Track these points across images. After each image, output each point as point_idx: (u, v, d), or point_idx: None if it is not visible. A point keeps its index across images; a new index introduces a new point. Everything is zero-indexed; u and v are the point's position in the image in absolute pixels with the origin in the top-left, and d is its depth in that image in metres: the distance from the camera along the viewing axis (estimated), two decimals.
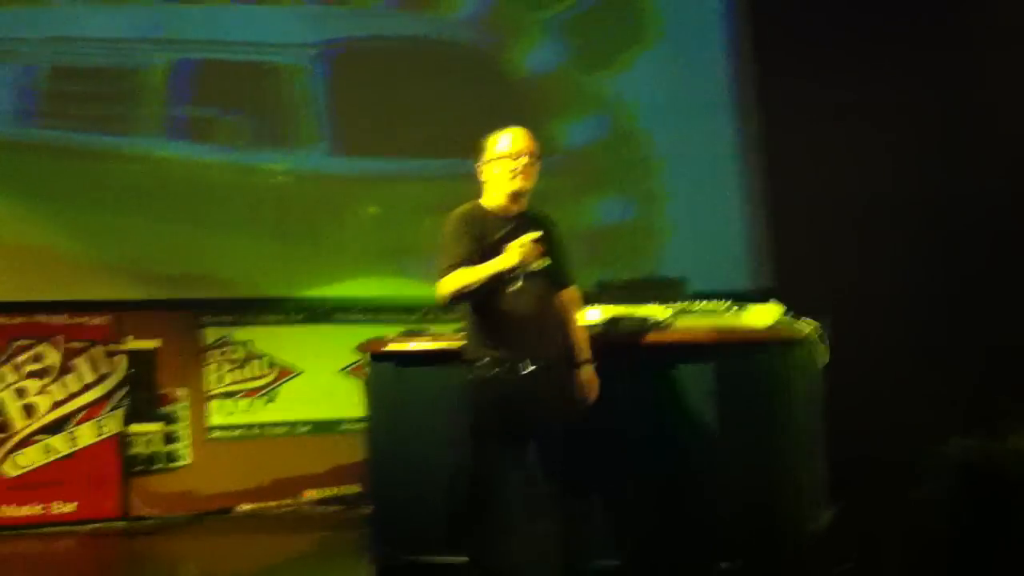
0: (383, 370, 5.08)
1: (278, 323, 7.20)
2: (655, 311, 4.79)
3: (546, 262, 4.16)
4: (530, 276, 4.12)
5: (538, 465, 4.20)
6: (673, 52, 7.81)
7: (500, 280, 4.09)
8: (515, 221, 4.21)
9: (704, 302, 4.89)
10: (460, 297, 4.15)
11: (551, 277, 4.24)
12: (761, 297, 5.19)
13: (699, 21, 7.94)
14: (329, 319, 7.26)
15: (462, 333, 4.36)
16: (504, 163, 4.20)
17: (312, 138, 7.17)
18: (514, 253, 4.04)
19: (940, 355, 6.16)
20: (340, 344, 7.24)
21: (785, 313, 4.86)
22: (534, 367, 4.13)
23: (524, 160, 4.19)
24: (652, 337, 4.64)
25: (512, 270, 4.06)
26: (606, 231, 7.21)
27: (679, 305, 4.85)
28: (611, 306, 4.87)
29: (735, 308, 4.84)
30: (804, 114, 7.11)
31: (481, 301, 4.15)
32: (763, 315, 4.79)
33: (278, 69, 7.13)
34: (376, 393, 5.15)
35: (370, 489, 5.23)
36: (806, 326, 4.90)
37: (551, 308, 4.30)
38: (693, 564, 4.50)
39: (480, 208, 4.28)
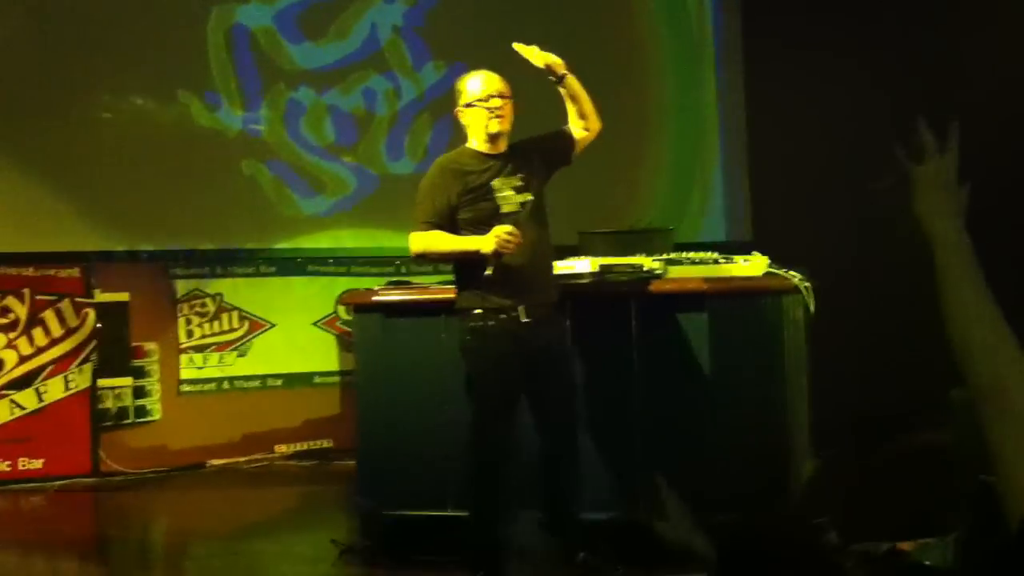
0: (369, 321, 4.99)
1: (250, 275, 7.07)
2: (644, 261, 4.75)
3: (528, 197, 4.13)
4: (520, 221, 4.06)
5: (542, 412, 4.19)
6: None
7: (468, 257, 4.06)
8: (499, 160, 4.20)
9: (692, 252, 4.86)
10: (426, 260, 4.31)
11: (539, 214, 4.21)
12: (740, 249, 5.18)
13: None
14: (302, 271, 7.16)
15: (453, 283, 4.31)
16: (478, 108, 4.16)
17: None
18: (489, 241, 3.98)
19: (927, 309, 6.14)
20: (313, 296, 7.20)
21: (770, 265, 4.85)
22: (528, 319, 4.08)
23: (496, 102, 4.15)
24: (644, 286, 4.59)
25: (486, 254, 3.99)
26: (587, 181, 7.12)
27: (668, 255, 4.81)
28: (599, 258, 4.82)
29: (722, 259, 4.82)
30: (787, 66, 7.06)
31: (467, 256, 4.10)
32: (752, 266, 4.78)
33: None
34: (363, 345, 5.07)
35: (357, 442, 5.16)
36: (794, 276, 4.89)
37: (544, 251, 4.26)
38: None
39: (465, 153, 4.26)
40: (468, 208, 4.13)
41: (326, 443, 7.15)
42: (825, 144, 6.94)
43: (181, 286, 6.89)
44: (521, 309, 4.08)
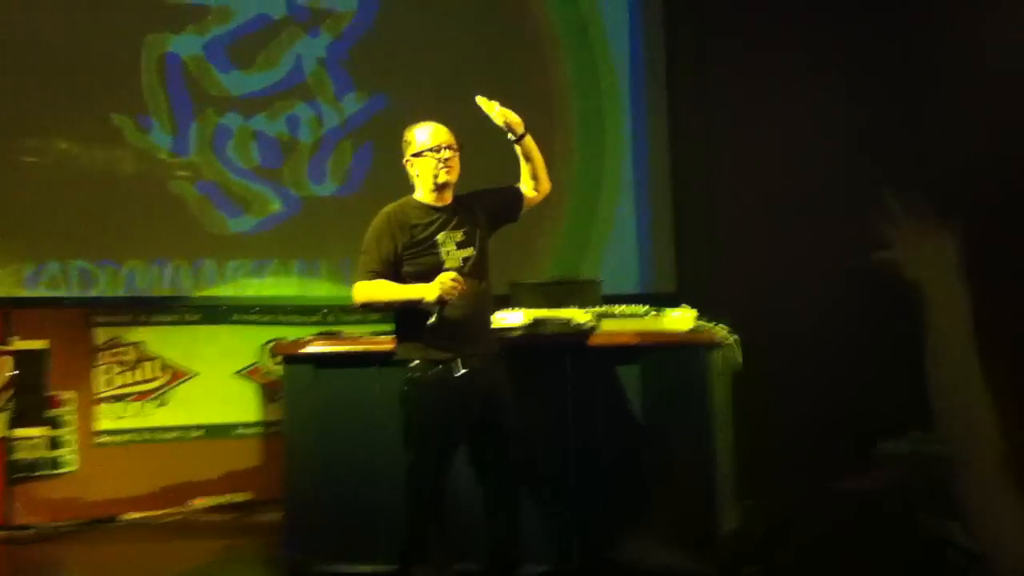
0: (300, 372, 4.96)
1: (173, 323, 6.97)
2: (576, 314, 4.80)
3: (470, 252, 4.19)
4: (460, 273, 4.09)
5: (483, 461, 4.21)
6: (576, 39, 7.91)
7: (413, 305, 4.07)
8: (445, 212, 4.25)
9: (623, 306, 4.93)
10: (370, 309, 4.27)
11: (480, 269, 4.24)
12: (665, 300, 5.26)
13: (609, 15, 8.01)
14: (226, 320, 7.08)
15: (393, 334, 4.32)
16: (427, 158, 4.20)
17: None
18: (434, 288, 4.02)
19: (851, 358, 6.24)
20: (237, 346, 7.11)
21: (698, 318, 4.93)
22: (466, 370, 4.10)
23: (447, 153, 4.21)
24: (578, 339, 4.64)
25: (430, 302, 4.03)
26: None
27: (599, 308, 4.87)
28: (532, 310, 4.87)
29: (653, 312, 4.89)
30: (712, 113, 7.18)
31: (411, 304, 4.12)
32: (681, 319, 4.85)
33: None
34: (292, 396, 5.03)
35: (284, 494, 5.10)
36: (722, 330, 4.98)
37: (484, 304, 4.31)
38: (617, 566, 4.52)
39: (410, 204, 4.29)
40: (411, 262, 4.15)
41: (247, 495, 7.04)
42: (751, 192, 7.05)
43: (101, 334, 6.75)
44: (458, 361, 4.10)
